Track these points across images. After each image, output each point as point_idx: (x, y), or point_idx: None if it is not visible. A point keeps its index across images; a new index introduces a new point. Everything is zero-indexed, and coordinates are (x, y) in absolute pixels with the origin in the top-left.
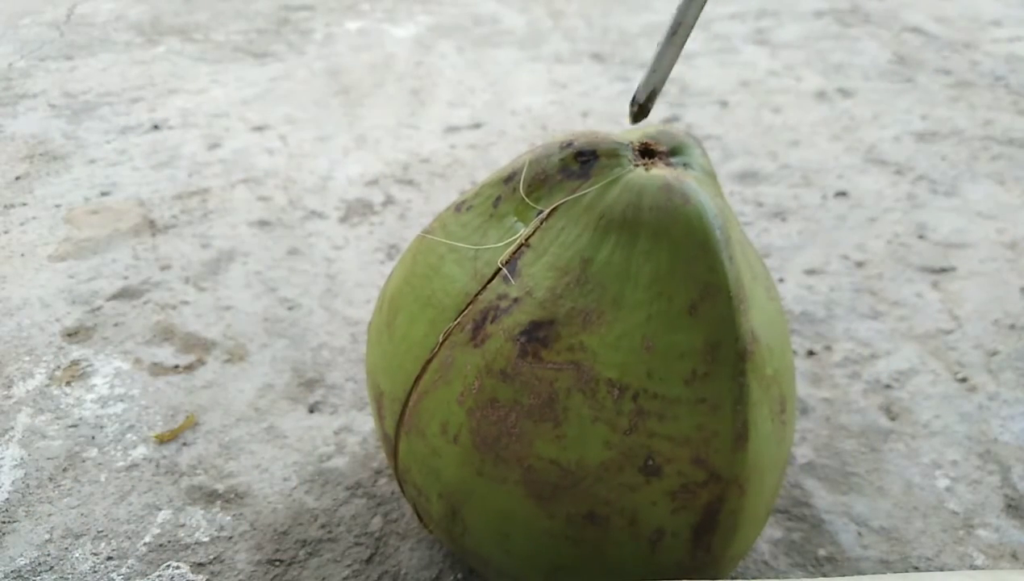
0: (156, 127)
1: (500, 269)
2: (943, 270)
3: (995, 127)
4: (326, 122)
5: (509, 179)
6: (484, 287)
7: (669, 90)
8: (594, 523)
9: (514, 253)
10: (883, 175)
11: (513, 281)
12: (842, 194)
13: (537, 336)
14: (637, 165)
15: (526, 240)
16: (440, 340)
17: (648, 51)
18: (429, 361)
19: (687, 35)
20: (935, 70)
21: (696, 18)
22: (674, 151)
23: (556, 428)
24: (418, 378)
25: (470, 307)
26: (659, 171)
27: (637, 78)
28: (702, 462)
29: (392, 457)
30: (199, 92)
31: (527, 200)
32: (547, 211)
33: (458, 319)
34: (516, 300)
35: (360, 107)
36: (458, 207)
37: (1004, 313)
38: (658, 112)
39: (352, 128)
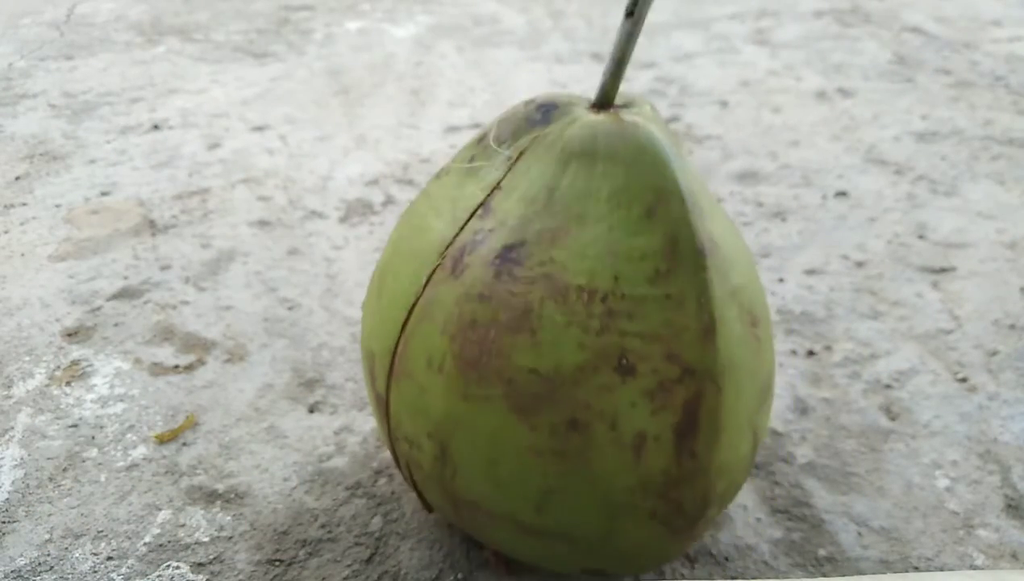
0: (156, 127)
1: (476, 209)
2: (943, 270)
3: (995, 127)
4: (326, 122)
5: (481, 140)
6: (461, 229)
7: (669, 90)
8: (576, 430)
9: (488, 196)
10: (883, 175)
11: (488, 217)
12: (842, 194)
13: (510, 257)
14: (592, 113)
15: (498, 183)
16: (423, 282)
17: (648, 51)
18: (414, 305)
19: (626, 64)
20: (935, 70)
21: (631, 52)
22: (626, 105)
23: (532, 337)
24: (405, 324)
25: (449, 248)
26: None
27: (637, 78)
28: (674, 357)
29: (385, 419)
30: (199, 92)
31: (498, 149)
32: (515, 154)
33: (439, 262)
34: (491, 231)
35: (360, 107)
36: (438, 175)
37: (1004, 313)
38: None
39: (352, 128)
